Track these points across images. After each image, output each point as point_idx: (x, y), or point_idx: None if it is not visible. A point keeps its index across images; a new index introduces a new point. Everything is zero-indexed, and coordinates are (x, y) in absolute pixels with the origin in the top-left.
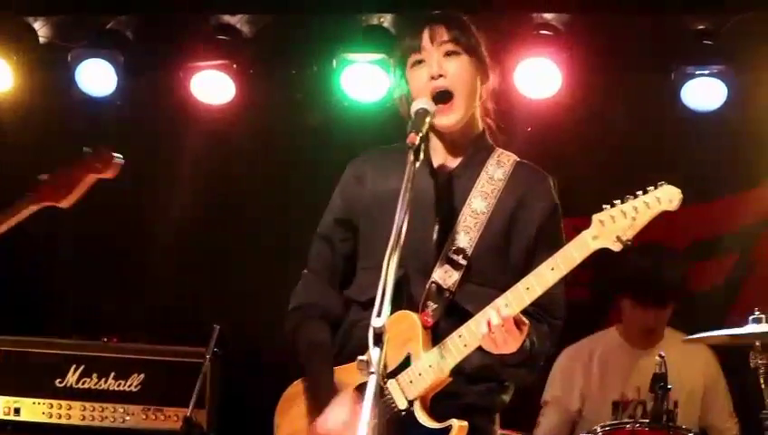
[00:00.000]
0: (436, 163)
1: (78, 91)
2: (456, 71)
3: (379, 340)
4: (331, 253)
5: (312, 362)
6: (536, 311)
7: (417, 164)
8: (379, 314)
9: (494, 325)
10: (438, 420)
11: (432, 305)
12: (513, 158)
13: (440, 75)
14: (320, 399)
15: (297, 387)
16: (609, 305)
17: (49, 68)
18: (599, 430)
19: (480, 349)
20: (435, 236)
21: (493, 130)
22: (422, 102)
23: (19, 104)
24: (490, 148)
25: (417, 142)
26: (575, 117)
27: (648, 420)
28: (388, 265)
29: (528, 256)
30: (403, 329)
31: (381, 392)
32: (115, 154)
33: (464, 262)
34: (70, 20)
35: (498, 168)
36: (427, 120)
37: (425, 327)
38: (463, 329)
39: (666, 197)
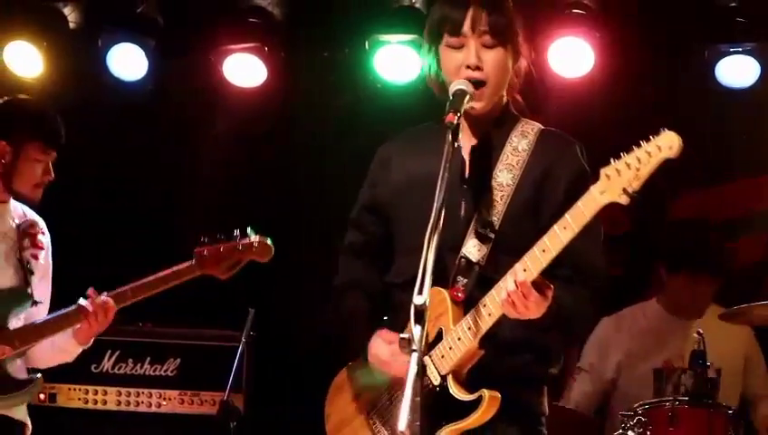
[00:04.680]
0: (462, 143)
1: (109, 76)
2: (493, 63)
3: (420, 317)
4: (363, 238)
5: (354, 330)
6: (575, 275)
7: (456, 144)
8: (420, 292)
9: (511, 291)
10: (475, 392)
11: (462, 280)
12: (538, 126)
13: (477, 67)
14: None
15: (343, 374)
16: (646, 281)
17: (79, 53)
18: (638, 409)
19: (515, 319)
20: (462, 212)
21: (518, 102)
22: (461, 83)
23: (50, 90)
24: (514, 119)
25: (455, 122)
26: (608, 96)
27: (687, 398)
28: (429, 244)
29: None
30: (434, 305)
31: (424, 370)
32: (269, 244)
33: (492, 235)
34: (99, 4)
35: (522, 138)
36: (466, 100)
37: (455, 302)
38: (486, 298)
39: (666, 143)
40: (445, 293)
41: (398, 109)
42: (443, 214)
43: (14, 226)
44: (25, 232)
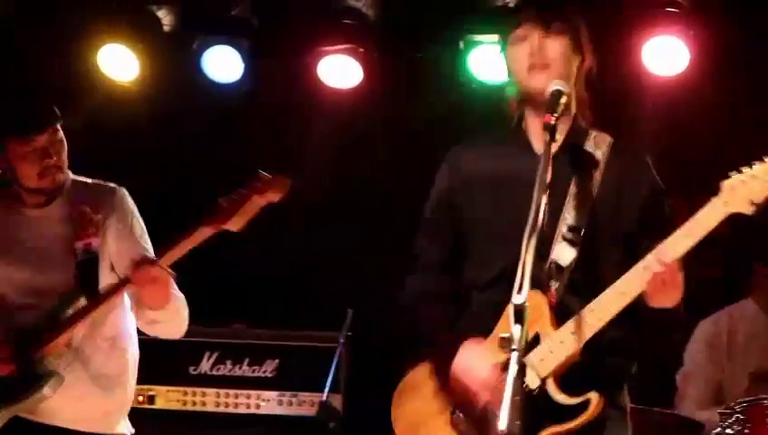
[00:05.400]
0: (535, 146)
1: (204, 78)
2: (555, 50)
3: (520, 317)
4: (434, 248)
5: (436, 335)
6: None
7: (554, 146)
8: (519, 292)
9: (669, 263)
10: (572, 395)
11: (554, 284)
12: (609, 139)
13: (540, 50)
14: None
15: (414, 376)
16: (743, 280)
17: (174, 56)
18: (736, 407)
19: (610, 324)
20: (546, 217)
21: (587, 116)
22: (557, 83)
23: (145, 93)
24: (585, 130)
25: (552, 123)
26: (704, 93)
27: None
28: (528, 244)
29: (636, 236)
30: (530, 308)
31: (523, 370)
32: (285, 178)
33: (578, 240)
34: (194, 7)
35: (596, 149)
36: (562, 101)
37: (550, 306)
38: (594, 304)
39: None
40: (541, 296)
41: (493, 109)
42: (541, 216)
43: (65, 223)
44: (76, 223)
